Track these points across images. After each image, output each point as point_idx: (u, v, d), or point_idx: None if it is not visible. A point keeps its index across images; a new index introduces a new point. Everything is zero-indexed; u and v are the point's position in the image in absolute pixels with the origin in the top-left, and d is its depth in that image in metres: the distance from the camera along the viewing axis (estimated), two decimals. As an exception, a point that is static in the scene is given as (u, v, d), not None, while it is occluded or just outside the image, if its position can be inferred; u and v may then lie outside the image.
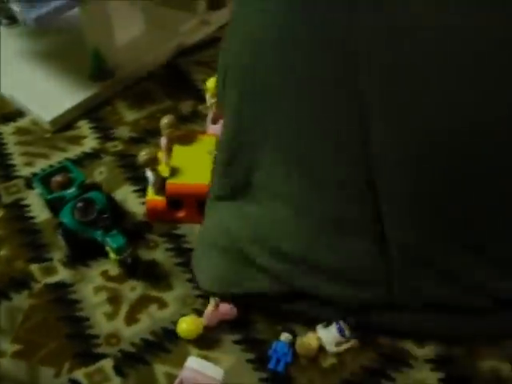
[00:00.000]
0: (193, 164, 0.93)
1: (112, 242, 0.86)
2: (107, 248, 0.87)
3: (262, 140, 0.77)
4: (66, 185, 0.93)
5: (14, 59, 1.19)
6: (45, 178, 0.95)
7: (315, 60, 0.70)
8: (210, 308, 0.81)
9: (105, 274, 0.88)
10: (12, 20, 1.24)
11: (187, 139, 0.96)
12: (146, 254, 0.90)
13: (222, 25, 1.27)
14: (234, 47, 0.79)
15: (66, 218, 0.89)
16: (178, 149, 0.95)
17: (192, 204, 0.92)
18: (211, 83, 1.00)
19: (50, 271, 0.89)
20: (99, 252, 0.89)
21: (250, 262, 0.79)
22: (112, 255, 0.87)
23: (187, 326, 0.80)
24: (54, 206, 0.93)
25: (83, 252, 0.90)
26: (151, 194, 0.93)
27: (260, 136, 0.78)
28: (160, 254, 0.90)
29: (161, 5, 1.27)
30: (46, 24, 0.97)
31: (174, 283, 0.87)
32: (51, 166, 1.01)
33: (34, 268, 0.90)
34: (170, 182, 0.91)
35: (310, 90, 0.71)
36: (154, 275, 0.88)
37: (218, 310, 0.81)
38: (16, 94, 1.12)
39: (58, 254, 0.91)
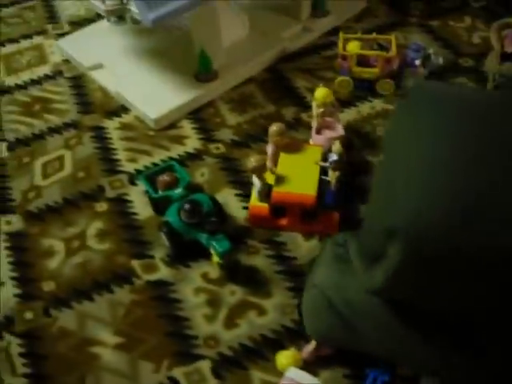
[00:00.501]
0: (298, 173, 0.93)
1: (218, 245, 0.86)
2: (211, 251, 0.88)
3: None
4: (172, 184, 0.94)
5: (120, 56, 1.22)
6: (150, 176, 0.96)
7: None
8: (310, 346, 0.79)
9: (205, 275, 0.89)
10: (120, 18, 1.28)
11: (293, 148, 0.96)
12: (246, 260, 0.90)
13: (325, 32, 1.27)
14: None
15: (171, 217, 0.90)
16: (284, 157, 0.95)
17: (295, 213, 0.91)
18: (320, 93, 0.99)
19: (151, 268, 0.90)
20: (201, 254, 0.90)
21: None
22: (215, 258, 0.87)
23: (286, 361, 0.77)
24: (158, 204, 0.94)
25: (185, 252, 0.91)
26: (255, 200, 0.94)
27: None
28: (260, 260, 0.90)
29: (265, 10, 1.28)
30: (162, 25, 0.99)
31: (274, 291, 0.86)
32: (155, 165, 1.04)
33: (136, 264, 0.91)
34: (276, 189, 0.91)
35: None
36: (253, 281, 0.88)
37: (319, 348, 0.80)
38: (122, 91, 1.14)
39: (159, 252, 0.92)
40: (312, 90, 1.12)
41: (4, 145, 1.11)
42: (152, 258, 0.92)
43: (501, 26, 1.09)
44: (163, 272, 0.90)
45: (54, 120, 1.14)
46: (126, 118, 1.13)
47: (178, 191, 0.92)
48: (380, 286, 0.64)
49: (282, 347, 0.80)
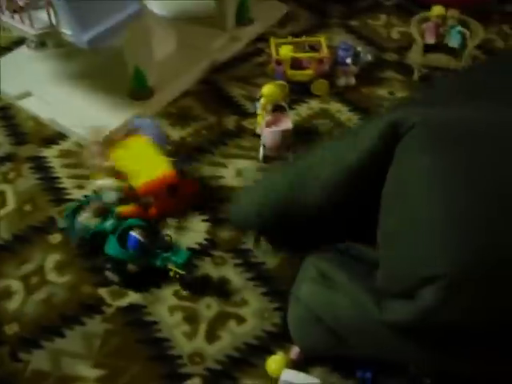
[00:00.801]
0: (140, 161, 0.96)
1: (177, 258, 0.85)
2: (170, 267, 0.86)
3: None
4: (105, 211, 0.91)
5: (48, 82, 1.17)
6: (73, 213, 0.92)
7: None
8: (297, 348, 0.80)
9: (177, 293, 0.88)
10: (41, 43, 1.23)
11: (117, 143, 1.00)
12: (214, 271, 0.90)
13: (251, 40, 1.29)
14: None
15: (114, 251, 0.86)
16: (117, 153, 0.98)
17: (163, 196, 0.94)
18: (267, 89, 1.02)
19: (119, 294, 0.88)
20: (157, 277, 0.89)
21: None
22: (174, 273, 0.86)
23: (276, 365, 0.78)
24: (93, 240, 0.91)
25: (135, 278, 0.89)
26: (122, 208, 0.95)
27: None
28: (229, 270, 0.90)
29: (189, 22, 1.28)
30: (97, 46, 0.96)
31: (249, 298, 0.87)
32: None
33: (103, 292, 0.88)
34: (137, 183, 0.93)
35: None
36: (227, 291, 0.88)
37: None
38: (56, 117, 1.10)
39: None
40: (249, 98, 1.15)
41: None
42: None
43: (420, 20, 1.16)
44: (133, 296, 0.88)
45: (-15, 157, 1.09)
46: (64, 145, 1.09)
47: (110, 222, 0.89)
48: (407, 323, 0.66)
49: (269, 352, 0.80)
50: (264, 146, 1.03)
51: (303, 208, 0.79)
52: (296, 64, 1.16)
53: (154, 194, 0.95)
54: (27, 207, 1.00)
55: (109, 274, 0.89)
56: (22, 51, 1.25)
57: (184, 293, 0.87)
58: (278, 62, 1.15)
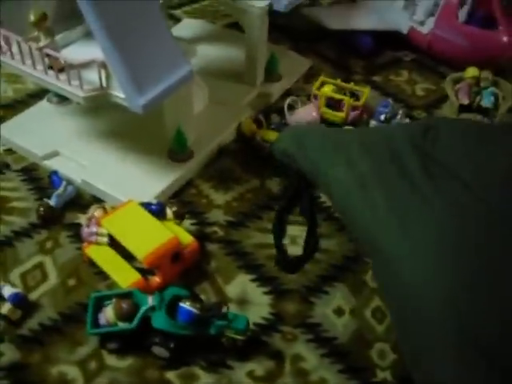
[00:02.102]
0: (138, 228, 0.91)
1: (237, 324, 0.82)
2: (226, 335, 0.83)
3: None
4: (129, 315, 0.83)
5: (75, 140, 1.11)
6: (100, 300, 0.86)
7: None
8: None
9: (251, 374, 0.83)
10: (63, 97, 1.17)
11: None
12: (286, 348, 0.86)
13: (281, 95, 1.28)
14: None
15: (164, 324, 0.81)
16: (110, 224, 0.92)
17: (167, 262, 0.90)
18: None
19: (190, 378, 0.82)
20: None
21: None
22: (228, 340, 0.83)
23: None
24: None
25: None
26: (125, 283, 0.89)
27: None
28: (301, 346, 0.86)
29: (217, 78, 1.25)
30: (150, 109, 0.92)
31: (327, 376, 0.83)
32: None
33: (172, 376, 0.82)
34: (143, 254, 0.87)
35: None
36: (303, 371, 0.84)
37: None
38: (89, 180, 1.04)
39: (193, 358, 0.84)
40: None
41: (-37, 259, 0.95)
42: (187, 365, 0.84)
43: (454, 80, 1.18)
44: (205, 379, 0.82)
45: (18, 221, 1.01)
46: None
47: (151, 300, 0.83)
48: None
49: None
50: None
51: None
52: (334, 105, 1.19)
53: (161, 263, 0.90)
54: (71, 281, 0.93)
55: (157, 350, 0.83)
56: (43, 106, 1.18)
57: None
58: (315, 97, 1.19)
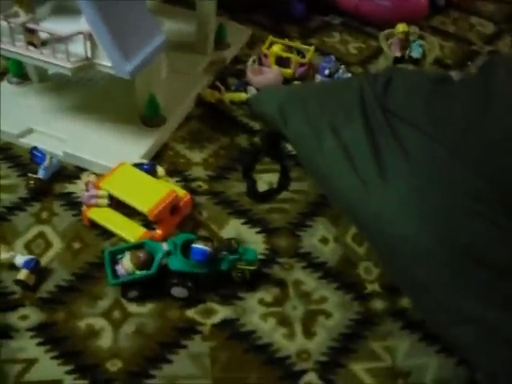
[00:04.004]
0: (136, 185, 0.99)
1: (248, 255, 0.92)
2: (237, 268, 0.92)
3: None
4: (145, 264, 0.90)
5: (46, 117, 1.13)
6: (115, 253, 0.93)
7: None
8: None
9: (262, 301, 0.93)
10: (23, 76, 1.18)
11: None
12: (287, 275, 0.97)
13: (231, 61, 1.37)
14: None
15: (181, 265, 0.89)
16: (109, 183, 0.99)
17: (167, 215, 0.98)
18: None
19: (209, 313, 0.91)
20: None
21: None
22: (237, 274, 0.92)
23: None
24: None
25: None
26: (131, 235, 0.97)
27: None
28: (299, 273, 0.98)
29: (170, 50, 1.31)
30: (135, 76, 0.98)
31: (326, 293, 0.95)
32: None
33: (191, 313, 0.91)
34: (147, 208, 0.95)
35: None
36: (304, 292, 0.95)
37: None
38: (70, 151, 1.08)
39: (207, 296, 0.93)
40: (247, 116, 1.23)
41: (-39, 238, 0.96)
42: (204, 302, 0.92)
43: (386, 35, 1.33)
44: (222, 312, 0.91)
45: (7, 198, 1.03)
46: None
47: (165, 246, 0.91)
48: None
49: (361, 336, 0.90)
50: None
51: None
52: (282, 63, 1.30)
53: (163, 215, 0.97)
54: (76, 245, 0.97)
55: (176, 290, 0.91)
56: (4, 87, 1.18)
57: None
58: (265, 56, 1.30)
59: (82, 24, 0.94)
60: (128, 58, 0.95)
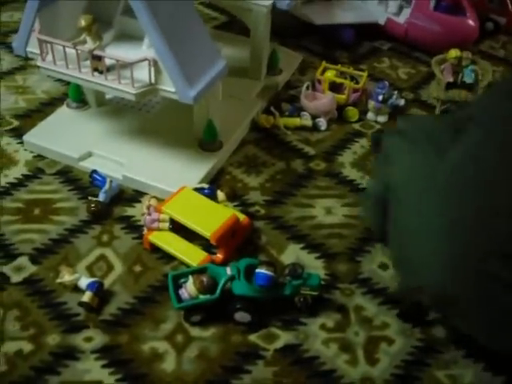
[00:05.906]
0: (198, 210, 0.99)
1: (312, 281, 0.92)
2: (301, 294, 0.91)
3: None
4: (209, 289, 0.90)
5: (104, 141, 1.16)
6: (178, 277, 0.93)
7: None
8: None
9: (324, 326, 0.93)
10: (82, 102, 1.21)
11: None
12: (347, 301, 0.96)
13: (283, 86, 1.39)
14: None
15: (245, 289, 0.89)
16: (172, 207, 1.00)
17: (228, 239, 0.99)
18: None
19: (271, 337, 0.91)
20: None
21: None
22: (303, 297, 0.92)
23: None
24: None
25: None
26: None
27: None
28: (359, 298, 0.97)
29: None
30: (198, 102, 0.99)
31: (388, 320, 0.94)
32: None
33: (253, 338, 0.90)
34: (209, 233, 0.95)
35: None
36: (366, 318, 0.94)
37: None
38: (130, 175, 1.10)
39: (271, 320, 0.93)
40: (301, 141, 1.24)
41: (24, 259, 0.98)
42: (266, 327, 0.92)
43: (438, 61, 1.33)
44: (285, 337, 0.91)
45: (68, 220, 1.05)
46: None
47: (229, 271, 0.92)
48: None
49: (425, 364, 0.88)
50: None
51: None
52: (335, 88, 1.31)
53: (224, 239, 0.98)
54: (137, 268, 0.98)
55: (239, 315, 0.91)
56: (63, 111, 1.22)
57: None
58: (319, 81, 1.32)
59: (143, 50, 0.96)
60: (191, 83, 0.97)
